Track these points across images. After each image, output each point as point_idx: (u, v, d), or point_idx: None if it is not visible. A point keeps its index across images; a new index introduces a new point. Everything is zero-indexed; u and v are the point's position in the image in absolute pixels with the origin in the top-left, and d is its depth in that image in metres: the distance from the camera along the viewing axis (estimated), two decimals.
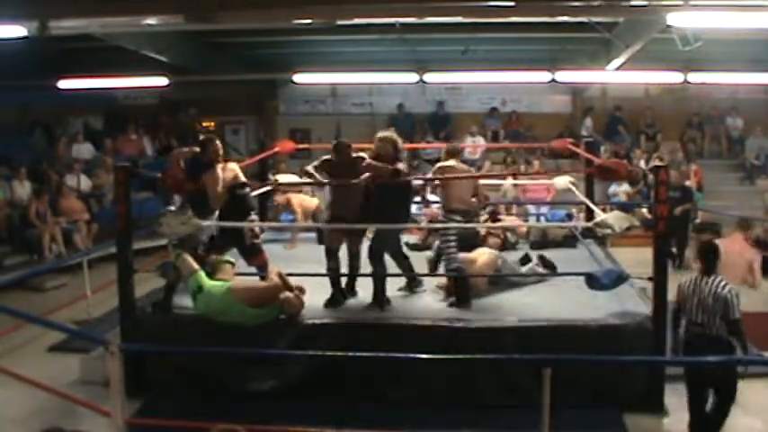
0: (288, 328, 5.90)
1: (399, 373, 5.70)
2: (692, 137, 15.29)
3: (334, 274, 6.48)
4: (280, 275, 5.94)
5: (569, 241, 9.01)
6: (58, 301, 9.02)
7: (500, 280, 6.94)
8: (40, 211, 11.21)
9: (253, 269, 6.57)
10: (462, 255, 6.74)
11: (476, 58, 13.01)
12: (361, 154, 6.57)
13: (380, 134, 6.61)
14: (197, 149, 6.41)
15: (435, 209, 8.96)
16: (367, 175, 6.23)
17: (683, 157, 14.51)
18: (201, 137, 6.95)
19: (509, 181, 13.10)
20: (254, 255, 6.53)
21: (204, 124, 16.41)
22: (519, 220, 9.84)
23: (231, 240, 6.55)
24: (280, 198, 9.47)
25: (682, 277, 5.59)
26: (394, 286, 6.66)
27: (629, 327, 5.76)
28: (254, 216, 6.61)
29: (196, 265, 5.96)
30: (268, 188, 8.79)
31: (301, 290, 6.02)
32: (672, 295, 5.64)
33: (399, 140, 6.56)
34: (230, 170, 6.51)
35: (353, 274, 6.64)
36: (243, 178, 6.70)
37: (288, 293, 5.85)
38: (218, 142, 6.48)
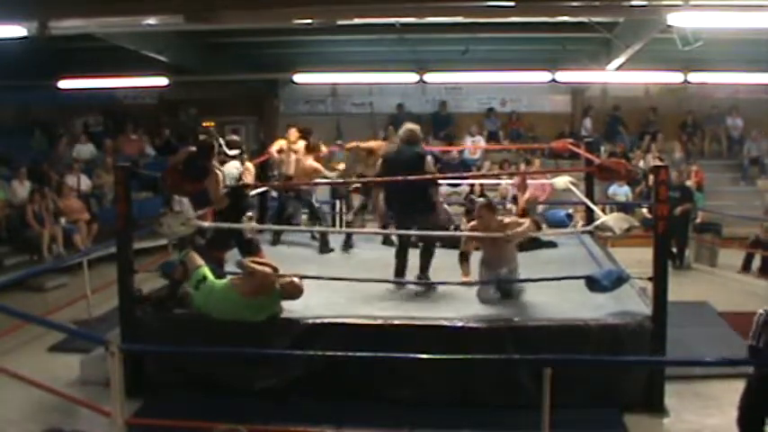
0: (288, 328, 5.90)
1: (399, 372, 5.69)
2: (689, 136, 15.30)
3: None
4: (255, 262, 6.01)
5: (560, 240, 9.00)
6: (58, 301, 9.01)
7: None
8: (36, 212, 11.19)
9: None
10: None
11: (476, 58, 13.02)
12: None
13: None
14: (193, 149, 6.43)
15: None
16: None
17: (681, 157, 14.51)
18: (202, 137, 7.04)
19: (507, 181, 13.08)
20: (251, 252, 6.62)
21: (204, 124, 16.41)
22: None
23: (230, 237, 6.63)
24: None
25: (682, 277, 5.56)
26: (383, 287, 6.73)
27: (629, 327, 5.75)
28: (249, 214, 6.74)
29: (201, 261, 6.09)
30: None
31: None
32: (679, 297, 5.61)
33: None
34: (249, 172, 6.78)
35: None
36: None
37: (284, 279, 5.92)
38: (214, 143, 6.54)
